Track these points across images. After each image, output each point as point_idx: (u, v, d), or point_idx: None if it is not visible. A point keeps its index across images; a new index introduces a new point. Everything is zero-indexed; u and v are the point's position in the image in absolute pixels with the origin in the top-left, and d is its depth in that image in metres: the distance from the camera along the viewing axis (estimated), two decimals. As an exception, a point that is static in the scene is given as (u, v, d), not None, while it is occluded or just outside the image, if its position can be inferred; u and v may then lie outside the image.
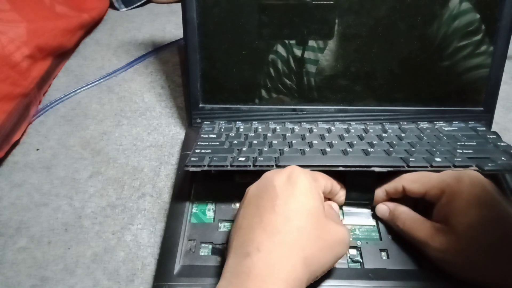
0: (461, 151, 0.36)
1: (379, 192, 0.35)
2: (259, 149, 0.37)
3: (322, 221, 0.28)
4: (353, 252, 0.33)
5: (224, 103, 0.44)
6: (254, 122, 0.43)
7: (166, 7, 0.78)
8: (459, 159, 0.34)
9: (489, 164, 0.33)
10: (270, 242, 0.26)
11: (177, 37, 0.67)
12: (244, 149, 0.37)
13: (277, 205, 0.27)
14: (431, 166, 0.33)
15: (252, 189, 0.31)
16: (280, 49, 0.42)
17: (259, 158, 0.35)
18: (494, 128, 0.43)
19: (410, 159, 0.34)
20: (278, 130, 0.41)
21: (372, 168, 0.33)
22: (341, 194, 0.35)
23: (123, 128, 0.49)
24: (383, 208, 0.34)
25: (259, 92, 0.44)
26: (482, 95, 0.42)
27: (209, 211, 0.36)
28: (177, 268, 0.31)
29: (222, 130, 0.41)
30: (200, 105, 0.44)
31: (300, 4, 0.40)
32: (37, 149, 0.46)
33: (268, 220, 0.27)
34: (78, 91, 0.55)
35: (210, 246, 0.33)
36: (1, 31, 0.46)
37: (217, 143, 0.38)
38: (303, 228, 0.27)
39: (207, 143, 0.38)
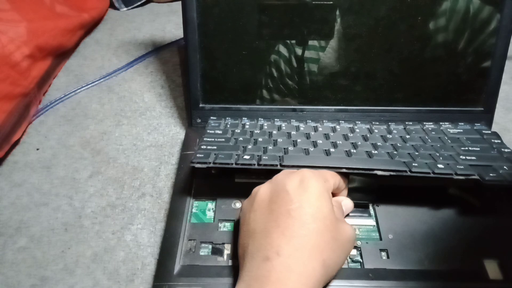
0: (464, 157, 0.36)
1: None
2: (264, 147, 0.37)
3: (334, 221, 0.28)
4: (353, 252, 0.33)
5: (224, 103, 0.44)
6: (260, 118, 0.43)
7: (166, 7, 0.78)
8: (461, 167, 0.34)
9: (491, 174, 0.33)
10: (289, 246, 0.26)
11: (177, 37, 0.67)
12: (249, 146, 0.37)
13: (293, 209, 0.28)
14: (433, 172, 0.33)
15: (262, 192, 0.31)
16: (280, 49, 0.42)
17: (264, 157, 0.35)
18: (494, 128, 0.43)
19: (413, 164, 0.34)
20: (284, 127, 0.41)
21: (375, 172, 0.34)
22: (345, 192, 0.35)
23: (123, 128, 0.49)
24: None
25: (259, 92, 0.44)
26: (482, 95, 0.42)
27: (209, 211, 0.36)
28: (177, 268, 0.31)
29: (228, 126, 0.41)
30: (200, 105, 0.44)
31: (300, 4, 0.40)
32: (37, 149, 0.46)
33: (285, 224, 0.27)
34: (78, 91, 0.55)
35: (210, 246, 0.33)
36: (1, 31, 0.46)
37: (223, 140, 0.38)
38: (320, 231, 0.27)
39: (213, 139, 0.38)
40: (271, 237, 0.27)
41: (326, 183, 0.31)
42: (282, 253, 0.26)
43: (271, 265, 0.25)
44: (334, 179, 0.33)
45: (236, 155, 0.35)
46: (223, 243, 0.33)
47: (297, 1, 0.40)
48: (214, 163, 0.34)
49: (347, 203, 0.34)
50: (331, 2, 0.40)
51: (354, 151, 0.36)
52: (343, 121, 0.43)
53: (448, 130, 0.41)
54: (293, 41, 0.42)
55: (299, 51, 0.42)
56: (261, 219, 0.29)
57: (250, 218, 0.29)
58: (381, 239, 0.34)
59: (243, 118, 0.43)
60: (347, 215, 0.35)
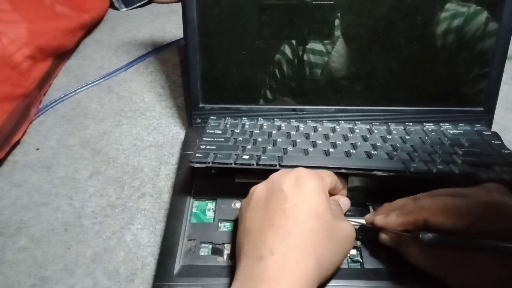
0: (463, 158, 0.35)
1: (392, 222, 0.30)
2: (263, 147, 0.37)
3: (330, 220, 0.28)
4: (353, 252, 0.32)
5: (224, 103, 0.44)
6: (259, 118, 0.43)
7: (166, 7, 0.78)
8: (461, 167, 0.34)
9: (490, 175, 0.33)
10: (283, 245, 0.26)
11: (177, 37, 0.67)
12: (249, 146, 0.37)
13: (287, 208, 0.28)
14: (432, 173, 0.33)
15: (258, 191, 0.31)
16: (280, 49, 0.42)
17: (263, 157, 0.35)
18: (494, 128, 0.43)
19: (412, 164, 0.34)
20: (283, 127, 0.41)
21: (374, 172, 0.33)
22: (344, 192, 0.35)
23: (123, 128, 0.49)
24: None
25: (259, 92, 0.44)
26: (482, 95, 0.42)
27: (209, 211, 0.36)
28: (177, 268, 0.31)
29: (228, 126, 0.42)
30: (200, 105, 0.44)
31: (300, 4, 0.40)
32: (37, 149, 0.46)
33: (279, 223, 0.27)
34: (78, 91, 0.55)
35: (210, 246, 0.33)
36: (2, 32, 0.46)
37: (222, 139, 0.38)
38: (314, 230, 0.27)
39: (213, 139, 0.38)
40: (266, 236, 0.27)
41: (322, 181, 0.31)
42: (275, 252, 0.26)
43: (264, 264, 0.25)
44: (330, 178, 0.33)
45: (235, 155, 0.35)
46: (223, 243, 0.33)
47: (297, 1, 0.40)
48: (213, 163, 0.34)
49: (344, 201, 0.34)
50: (331, 2, 0.40)
51: (354, 151, 0.36)
52: (343, 121, 0.43)
53: (448, 131, 0.41)
54: (293, 41, 0.42)
55: (298, 51, 0.42)
56: (256, 218, 0.29)
57: (246, 217, 0.30)
58: (381, 239, 0.34)
59: (243, 118, 0.43)
60: (345, 215, 0.35)
